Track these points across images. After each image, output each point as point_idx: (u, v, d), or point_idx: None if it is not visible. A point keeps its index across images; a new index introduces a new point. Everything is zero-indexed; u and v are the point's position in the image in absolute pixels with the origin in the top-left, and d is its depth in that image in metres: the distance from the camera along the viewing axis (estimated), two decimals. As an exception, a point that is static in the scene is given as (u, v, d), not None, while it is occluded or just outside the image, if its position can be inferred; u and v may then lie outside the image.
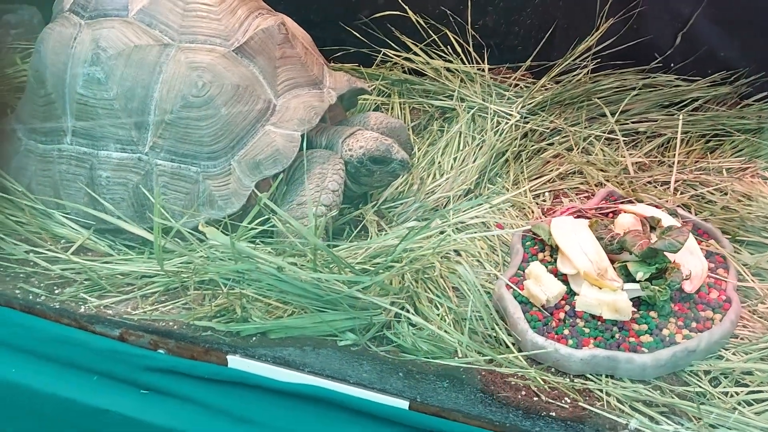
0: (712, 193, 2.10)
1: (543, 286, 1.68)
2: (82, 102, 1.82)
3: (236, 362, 1.61)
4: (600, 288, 1.67)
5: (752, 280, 1.78)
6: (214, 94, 1.76)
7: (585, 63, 2.47)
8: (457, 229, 1.94)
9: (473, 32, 2.56)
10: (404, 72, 2.65)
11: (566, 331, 1.61)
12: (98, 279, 1.74)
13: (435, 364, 1.45)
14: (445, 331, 1.44)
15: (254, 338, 1.57)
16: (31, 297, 1.74)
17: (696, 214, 2.04)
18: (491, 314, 1.62)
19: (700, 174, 2.18)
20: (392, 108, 2.59)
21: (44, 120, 1.90)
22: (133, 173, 1.81)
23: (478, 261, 1.86)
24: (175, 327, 1.64)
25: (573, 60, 2.47)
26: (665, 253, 1.68)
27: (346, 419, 1.56)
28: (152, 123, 1.78)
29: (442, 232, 1.86)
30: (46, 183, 1.91)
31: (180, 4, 1.83)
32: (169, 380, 1.66)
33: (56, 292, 1.73)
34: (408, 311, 1.47)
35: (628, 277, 1.70)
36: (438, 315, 1.49)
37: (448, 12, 2.57)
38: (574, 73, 2.49)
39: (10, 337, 1.74)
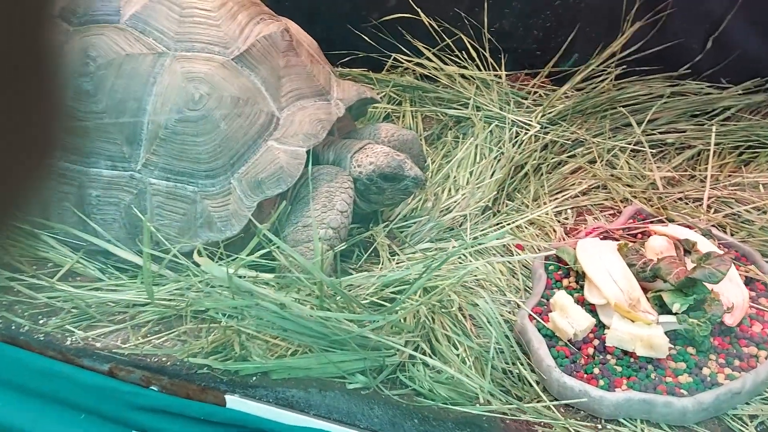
0: (749, 212, 1.95)
1: (570, 319, 1.54)
2: (70, 116, 1.68)
3: (235, 402, 1.47)
4: (633, 321, 1.52)
5: (798, 311, 1.63)
6: (212, 107, 1.62)
7: (609, 69, 2.32)
8: (478, 252, 1.80)
9: (489, 36, 2.41)
10: (416, 78, 2.50)
11: (596, 370, 1.47)
12: (86, 308, 1.61)
13: (454, 411, 1.31)
14: (466, 375, 1.30)
15: (255, 377, 1.44)
16: (14, 327, 1.61)
17: (732, 235, 1.89)
18: (512, 349, 1.47)
19: (735, 190, 2.03)
20: (403, 116, 2.45)
21: (32, 134, 1.77)
22: (125, 192, 1.68)
23: (497, 287, 1.72)
24: (169, 363, 1.51)
25: (596, 66, 2.32)
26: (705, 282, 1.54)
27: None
28: (145, 138, 1.64)
29: (460, 259, 1.72)
30: (35, 202, 1.78)
31: (176, 9, 1.70)
32: (162, 420, 1.53)
33: (41, 322, 1.60)
34: (424, 352, 1.33)
35: (663, 309, 1.55)
36: (457, 355, 1.35)
37: (463, 14, 2.42)
38: (598, 79, 2.35)
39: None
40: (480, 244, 1.68)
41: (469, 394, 1.31)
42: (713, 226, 1.90)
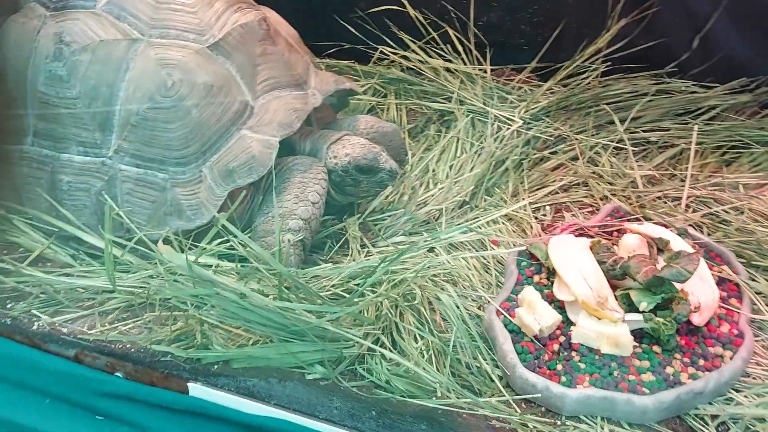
0: (727, 212, 1.94)
1: (536, 315, 1.53)
2: (44, 101, 1.68)
3: (197, 390, 1.48)
4: (599, 318, 1.52)
5: (768, 312, 1.62)
6: (185, 94, 1.62)
7: (594, 66, 2.31)
8: (452, 246, 1.80)
9: (476, 30, 2.40)
10: (402, 71, 2.49)
11: (559, 366, 1.46)
12: (54, 293, 1.61)
13: (412, 404, 1.30)
14: (424, 369, 1.29)
15: (216, 366, 1.44)
16: (-19, 311, 1.61)
17: (708, 235, 1.88)
18: (476, 345, 1.46)
19: (715, 190, 2.01)
20: (388, 109, 2.44)
21: (7, 119, 1.77)
22: (96, 178, 1.67)
23: (469, 283, 1.71)
24: (133, 350, 1.51)
25: (581, 62, 2.31)
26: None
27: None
28: (117, 125, 1.64)
29: (431, 250, 1.72)
30: (8, 186, 1.78)
31: (152, -5, 1.69)
32: (126, 407, 1.53)
33: (8, 306, 1.61)
34: (383, 345, 1.33)
35: (631, 307, 1.54)
36: (416, 349, 1.34)
37: (450, 8, 2.40)
38: (583, 76, 2.33)
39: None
40: (447, 238, 1.67)
41: (427, 388, 1.30)
42: (690, 225, 1.89)
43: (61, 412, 1.56)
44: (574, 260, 1.63)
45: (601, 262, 1.63)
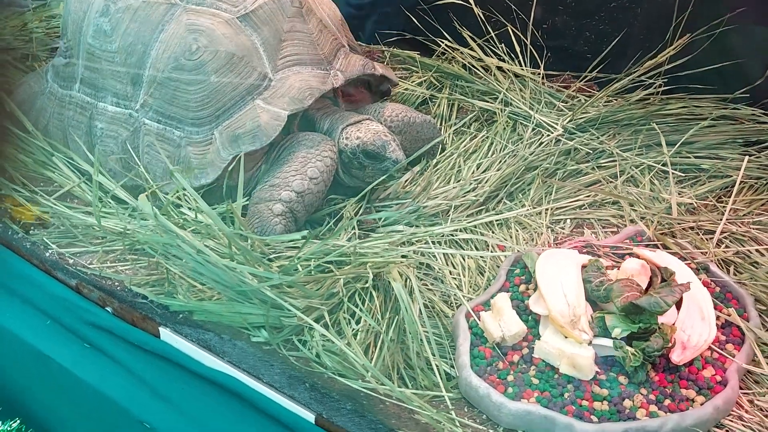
0: (762, 253, 1.77)
1: (502, 322, 1.49)
2: (90, 52, 1.84)
3: (167, 336, 1.57)
4: (566, 337, 1.45)
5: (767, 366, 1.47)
6: (206, 60, 1.71)
7: (654, 81, 2.17)
8: (455, 243, 1.78)
9: (538, 33, 2.33)
10: (463, 67, 2.47)
11: (510, 377, 1.42)
12: (71, 227, 1.76)
13: (340, 383, 1.31)
14: (353, 350, 1.30)
15: (181, 315, 1.52)
16: (10, 233, 1.79)
17: (734, 275, 1.73)
18: (425, 339, 1.43)
19: (756, 228, 1.84)
20: (439, 104, 2.43)
21: (64, 65, 1.95)
22: (123, 128, 1.81)
23: (458, 281, 1.68)
24: (119, 288, 1.63)
25: (639, 76, 2.18)
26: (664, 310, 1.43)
27: (256, 418, 1.47)
28: (146, 81, 1.77)
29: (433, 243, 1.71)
30: (58, 126, 1.97)
31: (197, -35, 1.79)
32: (109, 340, 1.65)
33: (31, 231, 1.77)
34: (324, 321, 1.35)
35: (606, 332, 1.46)
36: (354, 331, 1.35)
37: (513, 8, 2.35)
38: (646, 91, 2.20)
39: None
40: (427, 233, 1.65)
41: (356, 370, 1.31)
42: (716, 261, 1.74)
43: (56, 335, 1.71)
44: (558, 275, 1.56)
45: (586, 281, 1.55)
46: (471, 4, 2.37)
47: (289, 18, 1.80)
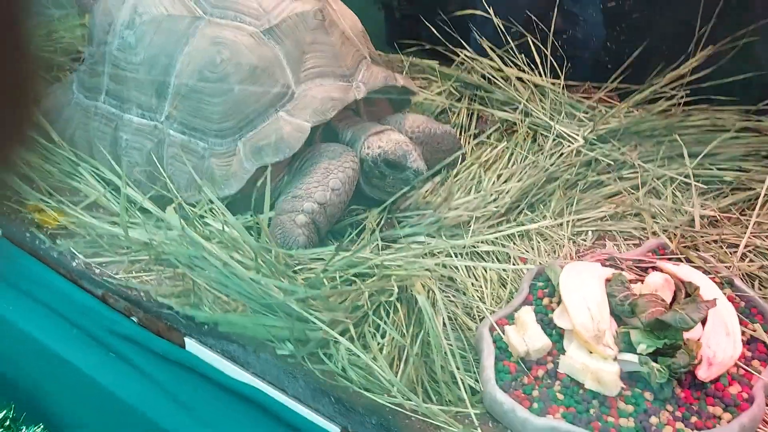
0: (787, 268, 1.75)
1: (526, 336, 1.49)
2: (116, 63, 1.86)
3: (192, 346, 1.58)
4: (590, 352, 1.44)
5: (794, 383, 1.45)
6: (230, 72, 1.72)
7: (676, 92, 2.16)
8: (476, 255, 1.78)
9: (558, 43, 2.32)
10: (482, 77, 2.47)
11: (536, 392, 1.41)
12: (97, 237, 1.77)
13: (365, 397, 1.32)
14: (379, 365, 1.30)
15: (206, 326, 1.53)
16: (37, 242, 1.81)
17: (759, 289, 1.71)
18: (450, 352, 1.43)
19: (781, 242, 1.83)
20: (459, 113, 2.43)
21: (90, 76, 1.98)
22: (148, 140, 1.83)
23: (480, 294, 1.68)
24: (145, 298, 1.64)
25: (661, 87, 2.17)
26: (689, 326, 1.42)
27: (280, 430, 1.48)
28: (170, 93, 1.78)
29: (450, 255, 1.71)
30: (84, 137, 1.99)
31: (222, -22, 1.81)
32: (134, 350, 1.66)
33: (58, 241, 1.79)
34: (349, 334, 1.35)
35: (631, 347, 1.45)
36: (379, 345, 1.35)
37: (534, 18, 2.35)
38: (669, 102, 2.18)
39: (15, 277, 1.84)
40: (447, 245, 1.65)
41: (381, 384, 1.31)
42: (740, 276, 1.73)
43: (81, 343, 1.72)
44: (582, 288, 1.56)
45: (611, 296, 1.54)
46: (491, 15, 2.38)
47: (311, 30, 1.81)
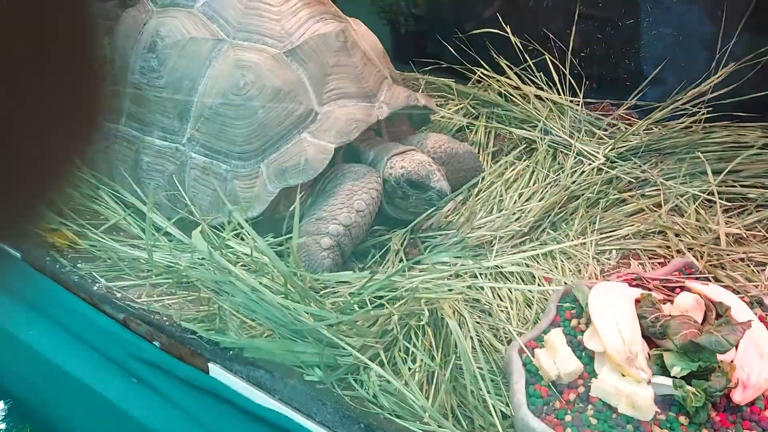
0: (816, 286, 1.73)
1: (557, 359, 1.46)
2: (137, 86, 1.86)
3: (216, 372, 1.56)
4: (623, 375, 1.42)
5: (832, 406, 1.43)
6: (254, 95, 1.72)
7: (697, 109, 2.15)
8: (501, 275, 1.77)
9: (576, 61, 2.32)
10: (499, 95, 2.47)
11: (568, 417, 1.39)
12: (118, 260, 1.76)
13: (397, 424, 1.30)
14: (411, 391, 1.28)
15: (231, 352, 1.51)
16: (58, 266, 1.81)
17: (790, 308, 1.69)
18: (493, 379, 1.42)
19: (809, 260, 1.80)
20: (476, 131, 2.42)
21: (110, 99, 1.97)
22: (170, 162, 1.82)
23: (507, 315, 1.66)
24: (168, 323, 1.63)
25: (682, 104, 2.16)
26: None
27: (308, 457, 1.45)
28: (193, 116, 1.78)
29: (474, 276, 1.69)
30: (104, 160, 1.98)
31: (244, 1, 1.81)
32: (156, 375, 1.65)
33: (78, 265, 1.78)
34: (380, 359, 1.33)
35: (664, 370, 1.43)
36: (411, 370, 1.33)
37: (551, 36, 2.35)
38: (691, 119, 2.17)
39: (35, 300, 1.83)
40: (474, 266, 1.64)
41: (413, 411, 1.29)
42: (769, 294, 1.71)
43: (104, 369, 1.71)
44: (612, 309, 1.53)
45: (641, 317, 1.52)
46: (508, 33, 2.38)
47: (334, 52, 1.81)
